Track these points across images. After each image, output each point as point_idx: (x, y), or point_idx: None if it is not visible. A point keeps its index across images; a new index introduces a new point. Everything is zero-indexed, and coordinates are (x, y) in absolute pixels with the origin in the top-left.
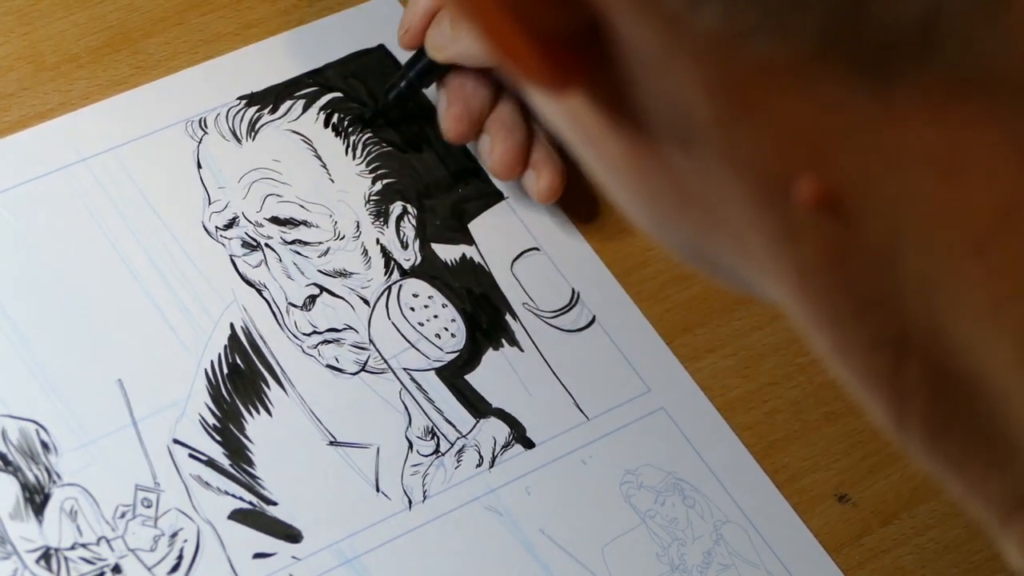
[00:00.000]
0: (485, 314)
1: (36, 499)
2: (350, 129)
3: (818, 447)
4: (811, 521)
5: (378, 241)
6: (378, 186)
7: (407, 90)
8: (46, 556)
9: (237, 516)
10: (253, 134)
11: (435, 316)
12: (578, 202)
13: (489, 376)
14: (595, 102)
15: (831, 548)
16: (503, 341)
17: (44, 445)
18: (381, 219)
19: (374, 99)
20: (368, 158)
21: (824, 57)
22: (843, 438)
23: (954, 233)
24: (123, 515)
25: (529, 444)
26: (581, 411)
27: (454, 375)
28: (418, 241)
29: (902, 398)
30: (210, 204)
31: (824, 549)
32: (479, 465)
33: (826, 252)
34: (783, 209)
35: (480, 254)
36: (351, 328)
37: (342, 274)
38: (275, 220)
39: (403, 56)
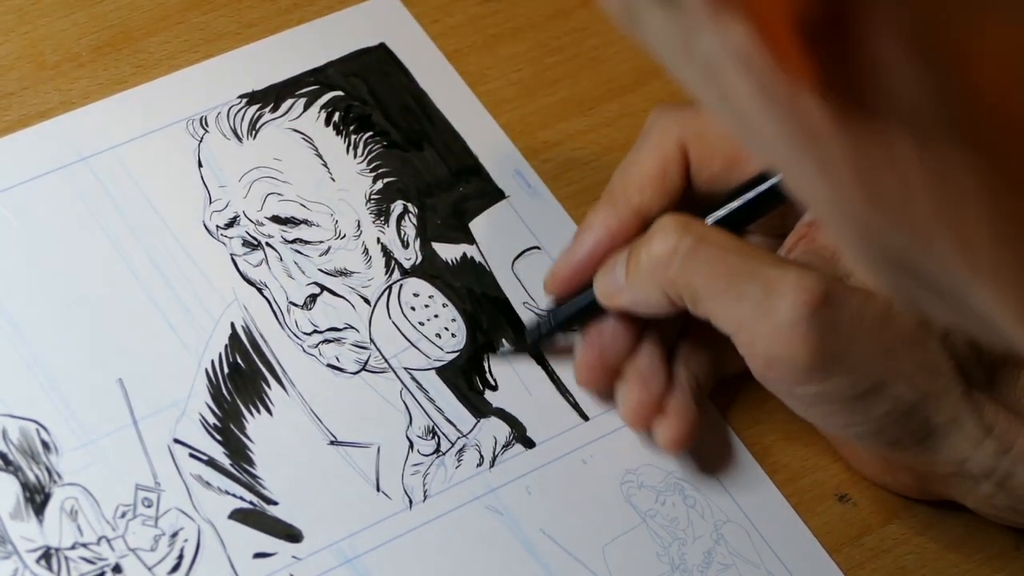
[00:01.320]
0: (486, 314)
1: (36, 499)
2: (352, 129)
3: (818, 447)
4: (811, 521)
5: (379, 240)
6: (379, 185)
7: (546, 336)
8: (46, 556)
9: (237, 516)
10: (254, 133)
11: (435, 316)
12: (580, 200)
13: (489, 376)
14: (829, 94)
15: (831, 548)
16: (503, 341)
17: (44, 444)
18: (382, 218)
19: (375, 98)
20: (369, 157)
21: None
22: None
23: None
24: (124, 515)
25: (529, 444)
26: (581, 411)
27: (454, 374)
28: (419, 240)
29: None
30: (211, 203)
31: (824, 549)
32: (479, 464)
33: None
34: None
35: (481, 253)
36: (352, 327)
37: (343, 273)
38: (276, 219)
39: (406, 54)
